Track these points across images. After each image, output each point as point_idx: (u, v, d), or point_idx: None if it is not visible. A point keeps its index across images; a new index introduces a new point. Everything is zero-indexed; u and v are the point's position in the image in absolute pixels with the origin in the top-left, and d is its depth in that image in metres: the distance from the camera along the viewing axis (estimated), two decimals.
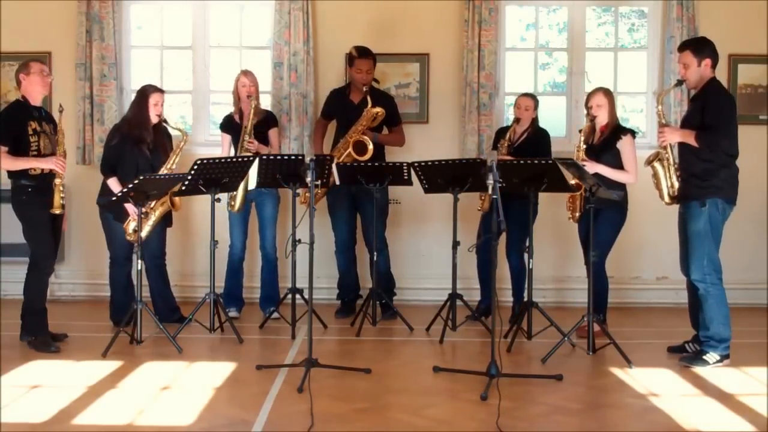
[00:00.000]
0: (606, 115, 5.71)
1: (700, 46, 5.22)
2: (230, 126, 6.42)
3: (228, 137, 6.42)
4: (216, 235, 5.77)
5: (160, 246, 6.16)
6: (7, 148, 5.37)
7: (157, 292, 6.17)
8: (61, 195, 5.46)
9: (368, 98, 6.24)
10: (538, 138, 6.21)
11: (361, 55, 6.38)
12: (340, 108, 6.53)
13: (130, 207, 5.67)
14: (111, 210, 5.72)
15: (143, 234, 5.80)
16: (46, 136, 5.51)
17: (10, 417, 4.11)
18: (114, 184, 5.75)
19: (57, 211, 5.45)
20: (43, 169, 5.43)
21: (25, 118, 5.43)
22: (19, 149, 5.39)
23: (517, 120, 6.17)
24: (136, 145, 5.87)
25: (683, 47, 5.28)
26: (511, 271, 6.28)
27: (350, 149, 6.21)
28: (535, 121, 6.26)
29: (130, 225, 5.79)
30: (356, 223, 6.58)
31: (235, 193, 6.13)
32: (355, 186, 6.08)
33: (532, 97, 6.29)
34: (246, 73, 6.38)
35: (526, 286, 6.28)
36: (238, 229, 6.41)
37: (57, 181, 5.44)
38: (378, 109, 6.26)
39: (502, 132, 6.30)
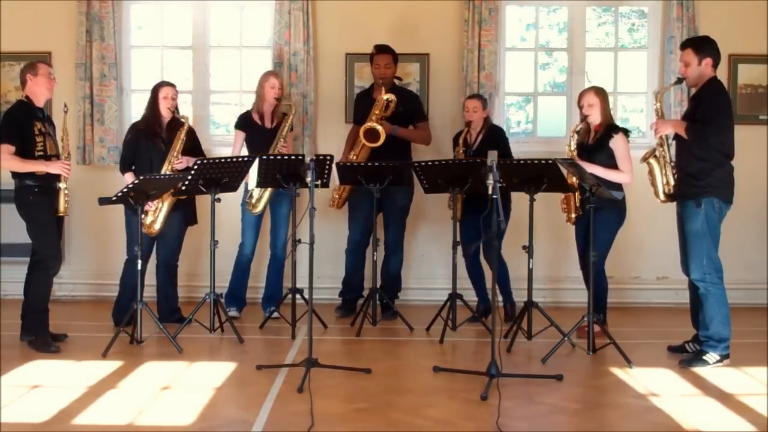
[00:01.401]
0: (599, 114, 5.68)
1: (701, 45, 5.22)
2: (248, 125, 6.38)
3: (242, 135, 6.37)
4: (221, 234, 5.79)
5: (177, 246, 6.18)
6: (15, 148, 5.38)
7: (163, 291, 6.19)
8: (66, 199, 5.51)
9: (382, 89, 6.28)
10: (493, 137, 6.19)
11: (378, 51, 6.47)
12: (364, 108, 6.50)
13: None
14: (127, 205, 5.70)
15: (157, 226, 5.83)
16: (50, 138, 5.54)
17: (10, 417, 4.11)
18: (129, 179, 5.78)
19: (62, 215, 5.52)
20: None
21: (30, 118, 5.46)
22: (26, 149, 5.41)
23: (467, 123, 6.18)
24: (150, 139, 5.92)
25: (685, 45, 5.30)
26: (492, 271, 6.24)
27: (362, 138, 6.21)
28: (487, 120, 6.26)
29: (147, 218, 5.80)
30: (373, 226, 6.56)
31: (259, 195, 6.15)
32: (379, 186, 5.98)
33: (478, 97, 6.29)
34: (276, 74, 6.43)
35: (509, 285, 6.32)
36: (251, 230, 6.40)
37: (62, 185, 5.48)
38: (389, 96, 6.27)
39: (456, 138, 6.30)
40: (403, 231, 6.59)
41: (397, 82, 6.53)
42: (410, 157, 6.50)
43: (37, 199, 5.45)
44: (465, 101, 6.32)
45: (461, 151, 6.15)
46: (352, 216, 6.58)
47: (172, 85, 6.06)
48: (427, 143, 6.67)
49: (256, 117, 6.39)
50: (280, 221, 6.43)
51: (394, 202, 6.36)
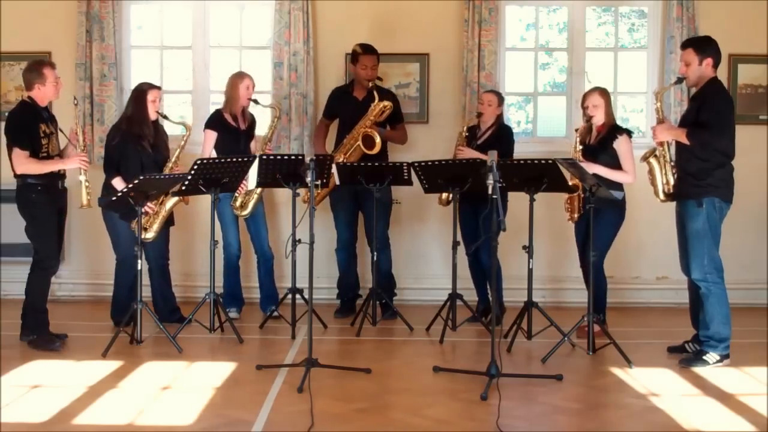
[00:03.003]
0: (602, 115, 5.70)
1: (702, 45, 5.21)
2: (221, 125, 6.30)
3: (214, 134, 6.27)
4: (216, 235, 5.78)
5: (165, 246, 6.17)
6: (28, 152, 5.38)
7: (159, 292, 6.18)
8: (88, 191, 5.51)
9: (375, 93, 6.27)
10: (499, 135, 6.19)
11: (365, 51, 6.43)
12: (343, 106, 6.53)
13: None
14: (116, 209, 5.70)
15: (154, 232, 5.82)
16: (54, 137, 5.55)
17: (10, 417, 4.12)
18: (118, 184, 5.71)
19: (84, 207, 5.51)
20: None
21: (36, 121, 5.46)
22: (34, 152, 5.41)
23: (479, 114, 6.19)
24: (138, 142, 5.87)
25: (686, 45, 5.28)
26: (485, 270, 6.25)
27: (359, 143, 6.22)
28: (500, 118, 6.27)
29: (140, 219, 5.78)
30: (358, 222, 6.58)
31: (245, 199, 6.17)
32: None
33: (496, 93, 6.30)
34: (249, 75, 6.36)
35: (501, 288, 6.26)
36: (232, 228, 6.37)
37: (81, 177, 5.51)
38: (386, 103, 6.29)
39: (472, 129, 6.32)
40: (388, 227, 6.58)
41: (378, 82, 6.52)
42: (387, 157, 6.51)
43: (40, 197, 5.45)
44: (482, 94, 6.37)
45: (464, 136, 6.16)
46: (337, 215, 6.59)
47: (159, 88, 6.01)
48: (404, 143, 6.70)
49: (228, 118, 6.32)
50: (259, 221, 6.42)
51: (377, 200, 6.32)
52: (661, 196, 5.34)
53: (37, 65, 5.58)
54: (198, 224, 6.93)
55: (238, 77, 6.33)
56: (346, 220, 6.52)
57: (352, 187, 6.22)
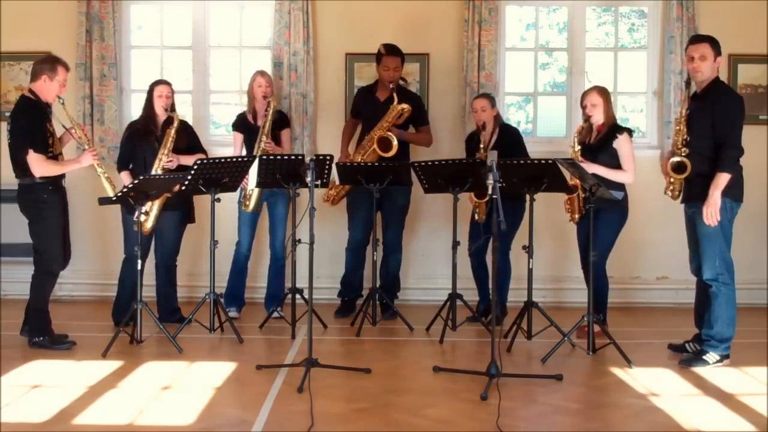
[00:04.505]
0: (602, 114, 5.68)
1: (716, 43, 5.16)
2: (244, 125, 6.42)
3: (241, 136, 6.42)
4: (220, 235, 5.79)
5: (176, 245, 6.17)
6: (44, 155, 5.35)
7: (162, 291, 6.19)
8: (110, 182, 5.58)
9: (394, 95, 6.24)
10: (510, 138, 6.15)
11: (389, 52, 6.40)
12: (365, 106, 6.52)
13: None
14: (124, 204, 5.69)
15: (149, 225, 5.82)
16: (56, 136, 5.56)
17: (10, 417, 4.11)
18: (125, 178, 5.82)
19: (112, 195, 5.49)
20: None
21: (43, 120, 5.44)
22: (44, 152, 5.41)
23: (483, 126, 6.07)
24: (144, 138, 5.93)
25: (701, 39, 5.19)
26: (488, 270, 6.24)
27: (375, 145, 6.21)
28: (498, 118, 6.22)
29: (140, 216, 5.78)
30: (373, 225, 6.54)
31: (249, 192, 6.17)
32: (379, 186, 5.95)
33: (485, 96, 6.25)
34: (262, 73, 6.41)
35: (507, 289, 6.31)
36: (247, 229, 6.40)
37: (99, 171, 5.55)
38: (404, 106, 6.26)
39: (472, 137, 6.26)
40: (402, 231, 6.59)
41: (402, 83, 6.51)
42: (409, 157, 6.49)
43: (52, 197, 5.44)
44: (472, 102, 6.27)
45: (485, 155, 6.00)
46: (353, 215, 6.57)
47: (167, 83, 6.05)
48: (429, 146, 6.67)
49: (249, 117, 6.42)
50: (277, 221, 6.44)
51: (394, 202, 6.37)
52: (677, 193, 5.28)
53: (53, 60, 5.55)
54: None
55: (253, 75, 6.43)
56: (361, 221, 6.47)
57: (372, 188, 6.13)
